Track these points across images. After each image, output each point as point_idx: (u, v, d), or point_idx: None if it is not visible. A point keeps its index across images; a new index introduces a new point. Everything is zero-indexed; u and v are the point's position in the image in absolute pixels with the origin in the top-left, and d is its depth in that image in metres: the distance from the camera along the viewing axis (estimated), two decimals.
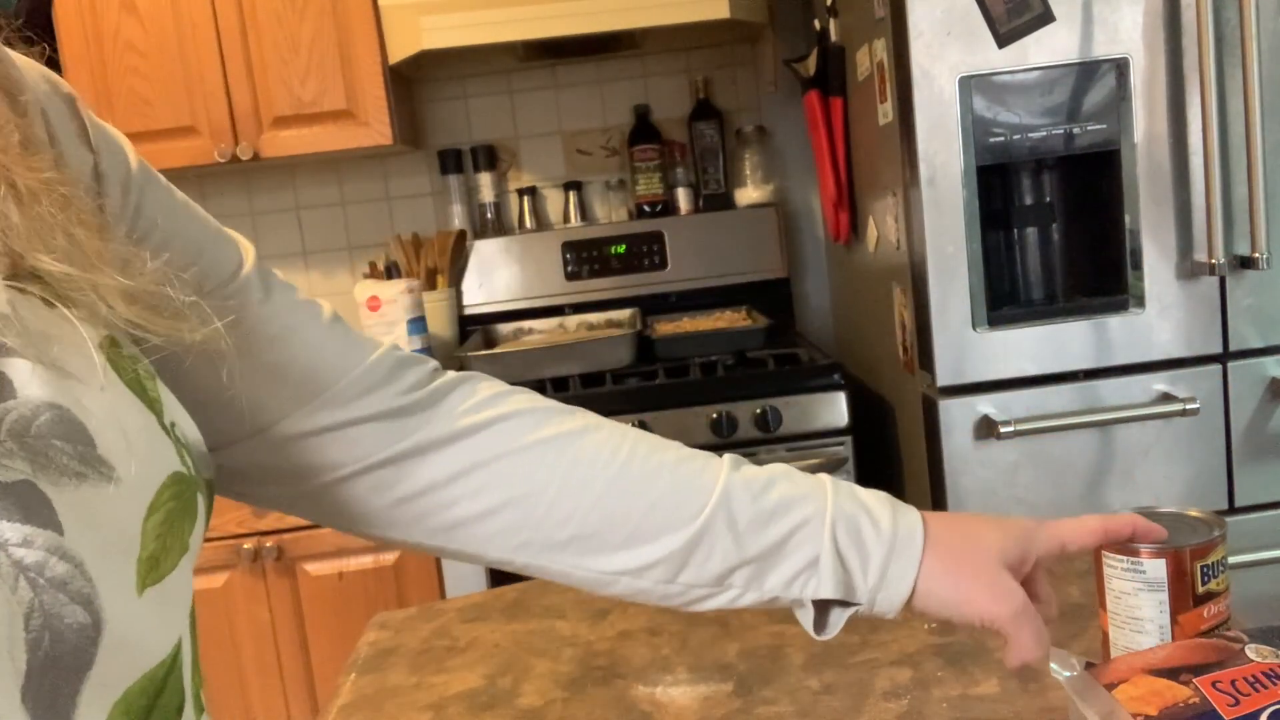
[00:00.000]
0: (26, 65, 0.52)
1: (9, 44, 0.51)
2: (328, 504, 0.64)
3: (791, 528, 0.65)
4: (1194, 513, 0.77)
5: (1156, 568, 0.72)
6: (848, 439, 1.90)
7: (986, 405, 1.65)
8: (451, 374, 0.68)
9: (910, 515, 0.67)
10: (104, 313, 0.45)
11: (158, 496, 0.44)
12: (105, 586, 0.40)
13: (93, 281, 0.45)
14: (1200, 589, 0.72)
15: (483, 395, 0.67)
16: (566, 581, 0.67)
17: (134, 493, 0.43)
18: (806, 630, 0.68)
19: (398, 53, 2.09)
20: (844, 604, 0.67)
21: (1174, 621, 0.72)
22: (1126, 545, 0.73)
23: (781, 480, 0.67)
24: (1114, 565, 0.74)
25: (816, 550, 0.65)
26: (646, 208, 2.46)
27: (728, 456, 0.68)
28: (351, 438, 0.63)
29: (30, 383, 0.40)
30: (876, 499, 0.67)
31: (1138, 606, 0.73)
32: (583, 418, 0.67)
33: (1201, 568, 0.72)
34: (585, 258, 2.42)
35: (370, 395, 0.63)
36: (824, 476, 0.68)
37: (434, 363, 0.68)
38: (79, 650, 0.39)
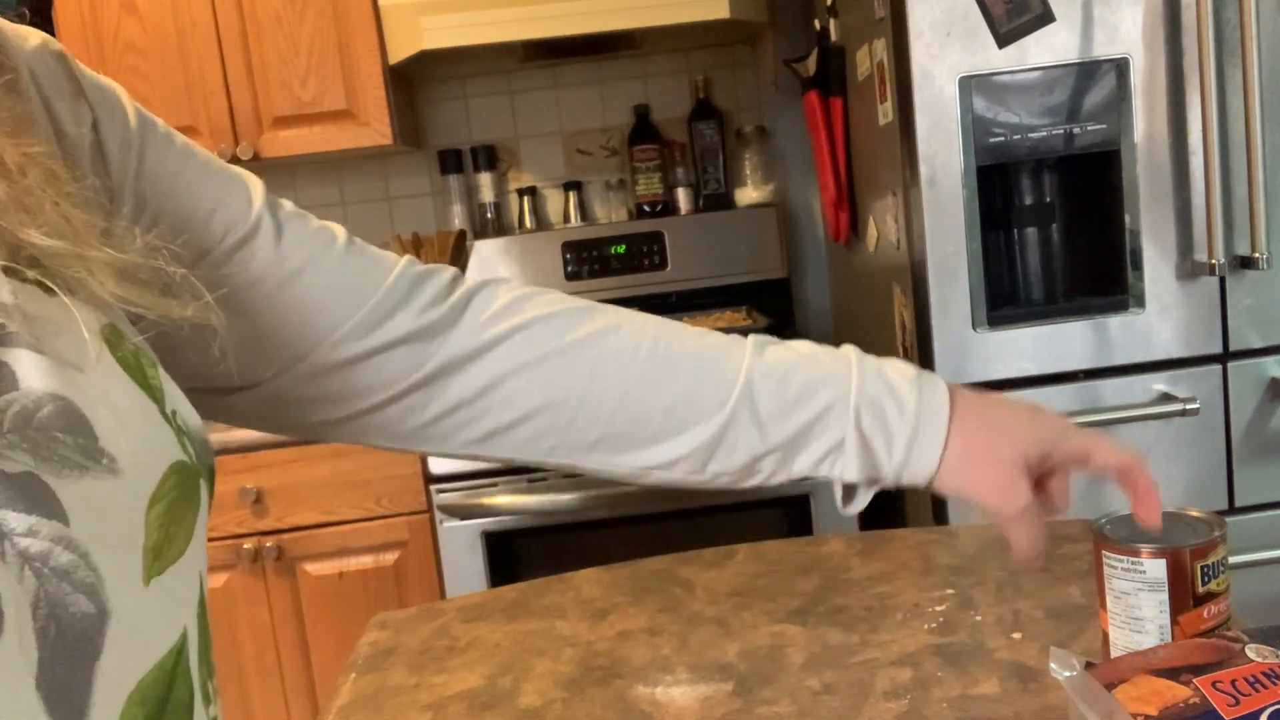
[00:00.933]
0: (13, 31, 0.51)
1: None
2: (361, 429, 0.66)
3: (816, 414, 0.66)
4: (1194, 512, 0.77)
5: (1157, 568, 0.72)
6: None
7: None
8: (470, 281, 0.69)
9: (937, 393, 0.67)
10: (95, 288, 0.45)
11: (160, 486, 0.44)
12: (110, 576, 0.41)
13: (82, 255, 0.44)
14: (1200, 589, 0.72)
15: (503, 301, 0.67)
16: (601, 475, 0.69)
17: (136, 483, 0.43)
18: (835, 503, 0.70)
19: (398, 53, 2.09)
20: (872, 480, 0.68)
21: (1174, 622, 0.72)
22: (1126, 545, 0.73)
23: (806, 364, 0.67)
24: (1114, 565, 0.74)
25: (841, 434, 0.66)
26: (646, 208, 2.46)
27: (752, 338, 0.69)
28: (379, 364, 0.64)
29: (32, 373, 0.41)
30: (902, 376, 0.67)
31: (1138, 606, 0.73)
32: (603, 317, 0.68)
33: (1202, 568, 0.72)
34: (585, 258, 2.42)
35: (393, 318, 0.64)
36: (850, 352, 0.68)
37: (452, 270, 0.69)
38: (85, 639, 0.39)
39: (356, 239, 0.66)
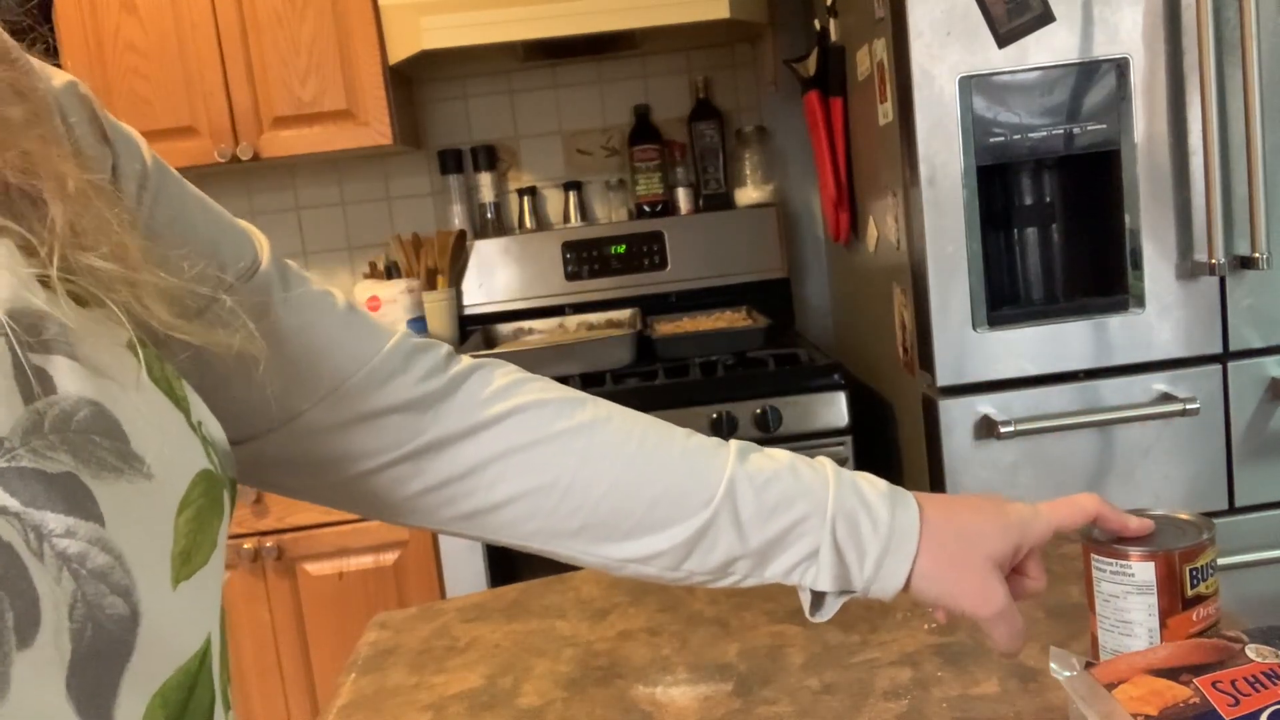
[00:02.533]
0: (40, 68, 0.52)
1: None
2: (349, 495, 0.67)
3: (792, 522, 0.67)
4: (1183, 515, 0.77)
5: (1146, 570, 0.72)
6: (848, 439, 1.90)
7: (986, 405, 1.65)
8: (467, 360, 0.70)
9: (908, 511, 0.69)
10: (138, 311, 0.46)
11: (188, 493, 0.45)
12: (142, 579, 0.41)
13: (134, 281, 0.45)
14: (1190, 592, 0.72)
15: (498, 384, 0.68)
16: (577, 564, 0.70)
17: (167, 489, 0.43)
18: (804, 611, 0.71)
19: (398, 53, 2.09)
20: (842, 591, 0.70)
21: (1163, 625, 0.72)
22: (1115, 548, 0.73)
23: (786, 474, 0.69)
24: (1103, 568, 0.74)
25: (816, 544, 0.68)
26: (646, 208, 2.46)
27: (734, 445, 0.70)
28: (372, 431, 0.64)
29: (68, 379, 0.41)
30: (877, 493, 0.69)
31: (1127, 609, 0.73)
32: (594, 408, 0.69)
33: (1191, 571, 0.72)
34: (585, 258, 2.42)
35: (388, 385, 0.65)
36: (828, 466, 0.70)
37: (447, 347, 0.70)
38: (118, 641, 0.40)
39: (355, 305, 0.67)
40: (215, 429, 0.50)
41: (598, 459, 0.67)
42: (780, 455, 0.71)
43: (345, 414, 0.64)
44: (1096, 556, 0.74)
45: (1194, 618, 0.72)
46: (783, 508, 0.67)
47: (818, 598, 0.70)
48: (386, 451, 0.65)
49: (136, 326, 0.46)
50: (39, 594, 0.37)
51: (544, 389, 0.69)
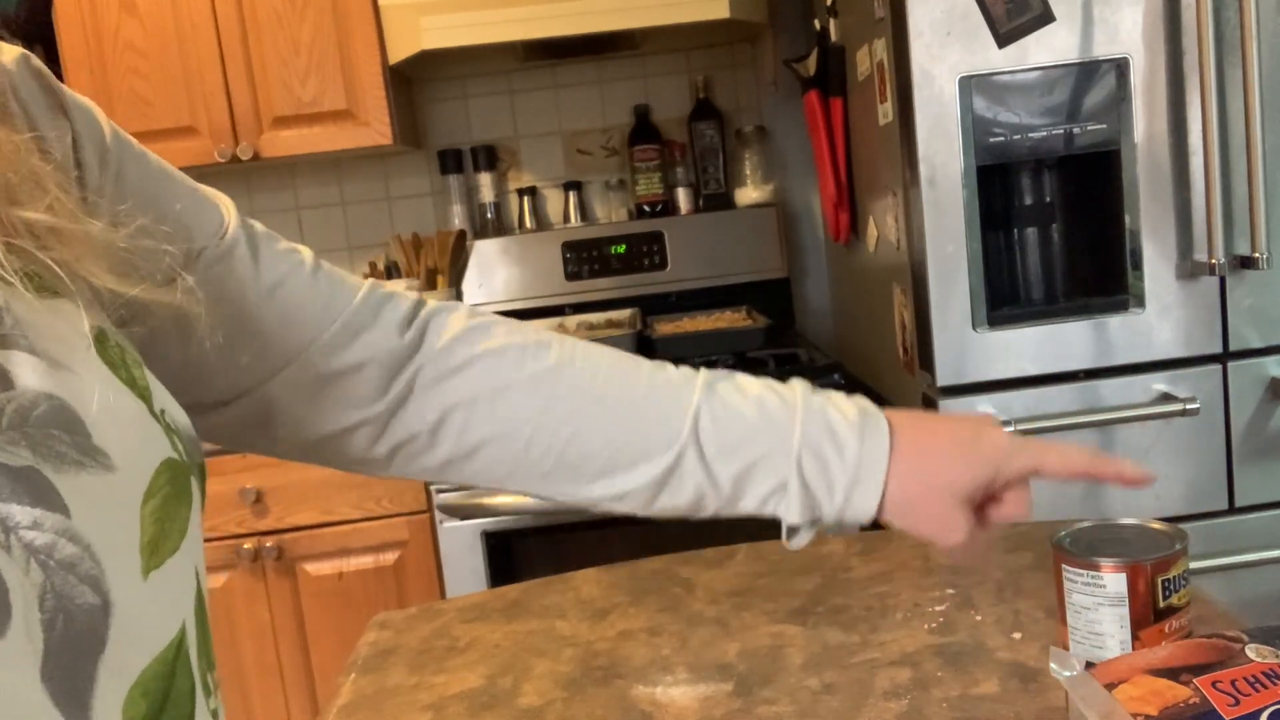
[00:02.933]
0: None
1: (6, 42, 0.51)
2: (323, 451, 0.68)
3: (756, 458, 0.68)
4: (1156, 525, 0.76)
5: (1117, 582, 0.71)
6: None
7: (986, 405, 1.65)
8: (433, 305, 0.71)
9: (878, 438, 0.69)
10: (86, 276, 0.46)
11: (153, 482, 0.45)
12: (112, 569, 0.41)
13: (83, 232, 0.46)
14: (1162, 603, 0.71)
15: (464, 329, 0.69)
16: (554, 502, 0.72)
17: (130, 480, 0.44)
18: (782, 538, 0.72)
19: (398, 53, 2.09)
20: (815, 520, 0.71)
21: (1135, 637, 0.71)
22: (1086, 559, 0.73)
23: (752, 408, 0.69)
24: (1074, 579, 0.73)
25: (783, 478, 0.68)
26: (646, 208, 2.46)
27: (702, 376, 0.71)
28: (345, 386, 0.66)
29: (27, 373, 0.41)
30: (846, 421, 0.69)
31: (1098, 621, 0.72)
32: (558, 350, 0.70)
33: (1163, 582, 0.71)
34: (585, 258, 2.42)
35: (358, 340, 0.66)
36: (798, 393, 0.70)
37: (414, 296, 0.71)
38: (91, 631, 0.40)
39: (322, 260, 0.68)
40: (179, 415, 0.50)
41: (562, 402, 0.68)
42: (750, 386, 0.70)
43: (318, 371, 0.65)
44: (1067, 567, 0.74)
45: (1166, 629, 0.71)
46: (746, 444, 0.68)
47: (793, 526, 0.71)
48: (359, 406, 0.66)
49: (96, 318, 0.46)
50: (8, 585, 0.37)
51: (509, 333, 0.70)
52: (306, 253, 0.67)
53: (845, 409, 0.70)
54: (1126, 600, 0.71)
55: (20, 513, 0.38)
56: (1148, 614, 0.71)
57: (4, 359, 0.41)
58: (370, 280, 0.70)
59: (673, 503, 0.69)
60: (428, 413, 0.67)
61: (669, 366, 0.72)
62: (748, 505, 0.70)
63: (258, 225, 0.66)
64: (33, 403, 0.41)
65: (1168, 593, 0.71)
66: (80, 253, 0.46)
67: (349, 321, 0.66)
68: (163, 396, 0.49)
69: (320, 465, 0.70)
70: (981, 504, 0.71)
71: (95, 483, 0.41)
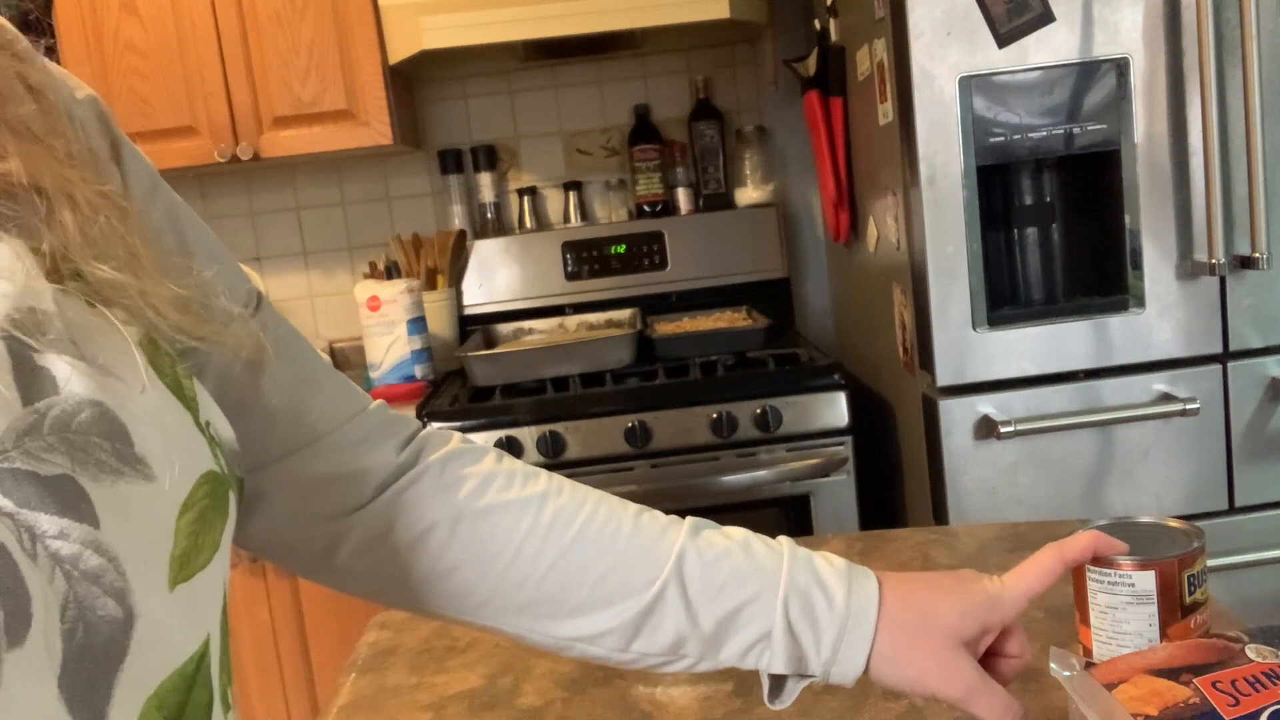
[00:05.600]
0: (63, 76, 0.52)
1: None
2: (295, 554, 0.66)
3: (743, 601, 0.65)
4: (1172, 522, 0.76)
5: (1145, 580, 0.71)
6: (848, 439, 1.90)
7: (986, 405, 1.65)
8: (432, 430, 0.70)
9: (866, 589, 0.66)
10: (150, 317, 0.46)
11: (192, 494, 0.45)
12: (138, 581, 0.41)
13: (144, 290, 0.45)
14: (1188, 599, 0.71)
15: (448, 451, 0.68)
16: (524, 643, 0.68)
17: (169, 491, 0.43)
18: (764, 698, 0.68)
19: (398, 53, 2.09)
20: (801, 675, 0.66)
21: (1163, 634, 0.71)
22: (1111, 559, 0.72)
23: (738, 550, 0.66)
24: (1099, 580, 0.73)
25: (769, 625, 0.65)
26: (646, 208, 2.46)
27: (689, 521, 0.68)
28: (336, 492, 0.64)
29: (72, 379, 0.41)
30: (834, 570, 0.66)
31: (1125, 620, 0.72)
32: (545, 482, 0.68)
33: (1189, 577, 0.71)
34: (585, 258, 2.42)
35: (364, 445, 0.65)
36: (784, 544, 0.68)
37: (416, 421, 0.70)
38: (111, 643, 0.40)
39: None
40: (224, 428, 0.50)
41: (546, 531, 0.65)
42: (735, 532, 0.68)
43: (314, 471, 0.63)
44: (1091, 567, 0.73)
45: (1192, 624, 0.71)
46: (732, 585, 0.65)
47: (776, 683, 0.67)
48: (345, 514, 0.64)
49: (148, 327, 0.46)
50: (31, 594, 0.37)
51: (499, 459, 0.69)
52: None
53: (832, 559, 0.67)
54: (1155, 598, 0.71)
55: (48, 522, 0.38)
56: (1175, 610, 0.71)
57: (50, 364, 0.41)
58: (380, 401, 0.69)
59: (650, 647, 0.66)
60: (411, 525, 0.65)
61: (655, 511, 0.70)
62: (730, 653, 0.66)
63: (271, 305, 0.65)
64: (76, 408, 0.41)
65: (1193, 588, 0.71)
66: (151, 300, 0.46)
67: (359, 424, 0.65)
68: (209, 408, 0.49)
69: (285, 568, 0.68)
70: (984, 658, 0.67)
71: (132, 492, 0.41)
